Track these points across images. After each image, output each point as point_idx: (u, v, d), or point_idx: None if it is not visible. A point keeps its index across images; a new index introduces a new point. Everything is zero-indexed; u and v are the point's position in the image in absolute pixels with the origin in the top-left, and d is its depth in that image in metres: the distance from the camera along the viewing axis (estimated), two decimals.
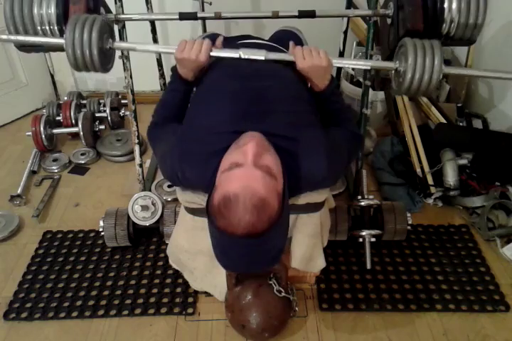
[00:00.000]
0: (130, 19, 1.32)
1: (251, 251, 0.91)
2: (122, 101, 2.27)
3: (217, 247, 0.94)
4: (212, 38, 1.63)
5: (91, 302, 1.37)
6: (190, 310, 1.34)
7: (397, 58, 1.20)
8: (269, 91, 1.16)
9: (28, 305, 1.36)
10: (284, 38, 1.59)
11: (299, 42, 1.59)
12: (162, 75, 2.15)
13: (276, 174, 0.92)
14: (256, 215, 0.85)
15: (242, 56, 1.17)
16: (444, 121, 1.92)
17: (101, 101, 2.25)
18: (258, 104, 1.12)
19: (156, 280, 1.44)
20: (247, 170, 0.88)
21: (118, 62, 1.38)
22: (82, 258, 1.52)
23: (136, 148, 1.53)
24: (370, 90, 1.56)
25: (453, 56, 2.24)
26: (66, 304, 1.37)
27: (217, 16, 1.32)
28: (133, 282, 1.43)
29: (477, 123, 1.95)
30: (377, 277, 1.45)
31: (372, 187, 1.83)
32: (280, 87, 1.19)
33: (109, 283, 1.43)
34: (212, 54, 1.18)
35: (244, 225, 0.85)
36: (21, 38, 1.15)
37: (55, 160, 2.02)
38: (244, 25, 2.23)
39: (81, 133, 2.01)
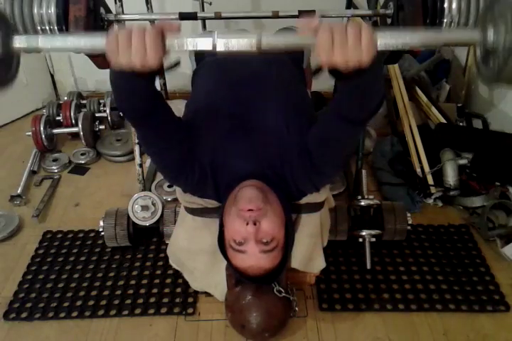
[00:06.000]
0: (130, 19, 1.32)
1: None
2: None
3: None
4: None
5: (91, 302, 1.37)
6: (190, 310, 1.34)
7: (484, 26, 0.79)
8: (262, 107, 1.12)
9: (28, 305, 1.36)
10: None
11: None
12: (162, 75, 2.14)
13: (276, 236, 1.02)
14: (265, 275, 1.04)
15: (218, 48, 0.74)
16: (444, 121, 1.92)
17: (101, 101, 2.25)
18: (247, 126, 1.10)
19: (156, 280, 1.44)
20: (251, 254, 1.00)
21: None
22: (82, 258, 1.52)
23: (136, 148, 1.53)
24: None
25: (453, 56, 2.24)
26: (66, 304, 1.36)
27: (217, 16, 1.32)
28: (133, 282, 1.43)
29: (477, 123, 1.95)
30: (377, 277, 1.45)
31: (372, 187, 1.83)
32: (278, 98, 1.15)
33: (109, 283, 1.43)
34: (169, 47, 0.76)
35: (257, 281, 1.06)
36: None
37: (55, 160, 2.02)
38: (244, 25, 2.22)
39: (81, 133, 2.01)
